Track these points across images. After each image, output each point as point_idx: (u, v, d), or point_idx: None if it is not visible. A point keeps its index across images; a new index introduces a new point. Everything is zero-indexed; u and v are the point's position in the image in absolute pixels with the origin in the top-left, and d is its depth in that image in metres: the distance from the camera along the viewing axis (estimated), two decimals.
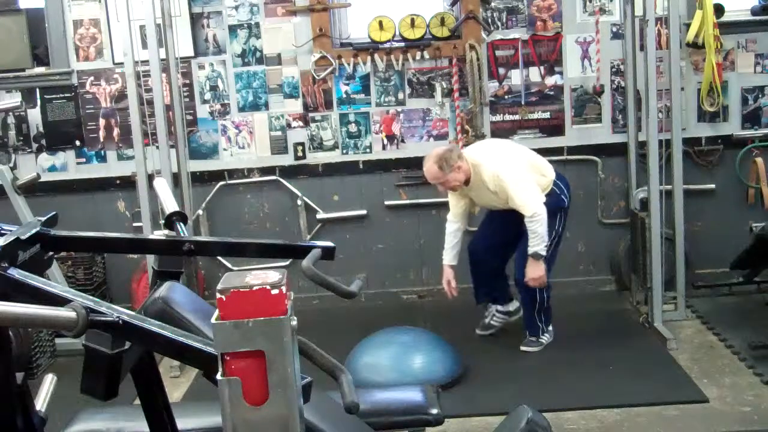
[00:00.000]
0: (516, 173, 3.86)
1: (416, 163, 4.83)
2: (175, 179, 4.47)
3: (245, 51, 4.77)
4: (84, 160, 4.89)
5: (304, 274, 1.69)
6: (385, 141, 4.85)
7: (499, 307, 4.28)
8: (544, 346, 4.08)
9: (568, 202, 4.03)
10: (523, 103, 4.80)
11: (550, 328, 4.12)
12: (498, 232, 4.12)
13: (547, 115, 4.81)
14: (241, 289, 1.21)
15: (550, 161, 4.75)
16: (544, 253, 3.85)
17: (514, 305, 4.28)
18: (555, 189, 3.99)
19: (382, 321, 4.14)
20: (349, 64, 4.74)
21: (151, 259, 3.47)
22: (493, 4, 4.72)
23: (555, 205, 3.91)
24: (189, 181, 4.62)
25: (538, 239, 3.80)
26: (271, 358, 1.20)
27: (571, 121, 4.81)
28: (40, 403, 1.78)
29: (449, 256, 4.12)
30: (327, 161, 4.86)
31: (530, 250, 3.82)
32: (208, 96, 4.81)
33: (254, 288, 1.21)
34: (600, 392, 3.57)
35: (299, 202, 4.85)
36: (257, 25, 4.74)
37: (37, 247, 1.62)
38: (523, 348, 4.06)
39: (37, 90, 4.82)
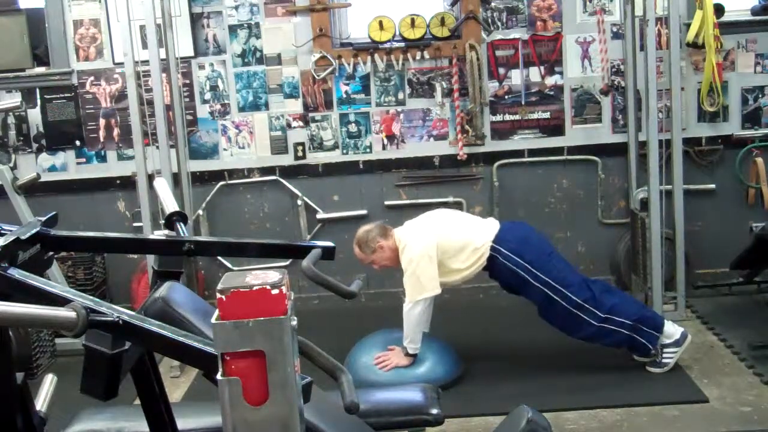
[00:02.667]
0: (415, 255, 3.66)
1: (416, 163, 4.85)
2: (175, 179, 4.47)
3: (245, 51, 4.77)
4: (84, 160, 4.89)
5: (304, 274, 1.70)
6: (385, 141, 4.85)
7: (664, 341, 3.70)
8: (671, 356, 3.70)
9: (530, 258, 3.64)
10: (523, 103, 4.79)
11: (663, 336, 3.67)
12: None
13: (547, 115, 4.81)
14: (241, 289, 1.21)
15: (550, 161, 4.81)
16: (411, 351, 3.69)
17: (670, 330, 3.70)
18: (496, 255, 3.66)
19: (382, 321, 4.13)
20: (349, 64, 4.74)
21: (151, 259, 3.47)
22: (493, 4, 4.72)
23: (509, 275, 3.66)
24: (189, 181, 4.62)
25: (408, 336, 3.68)
26: (271, 358, 1.20)
27: (571, 121, 4.81)
28: (40, 403, 1.78)
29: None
30: (327, 161, 4.86)
31: (404, 343, 3.70)
32: (208, 96, 4.81)
33: (254, 288, 1.21)
34: (600, 392, 3.57)
35: (299, 202, 4.85)
36: (257, 25, 4.74)
37: (37, 247, 1.62)
38: (649, 368, 3.72)
39: (37, 90, 4.82)
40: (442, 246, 3.70)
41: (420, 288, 3.67)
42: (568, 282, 3.65)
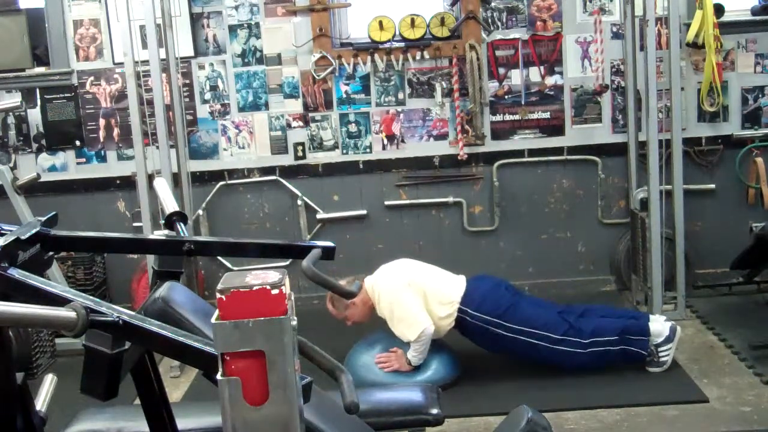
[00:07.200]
0: (394, 298, 3.65)
1: (416, 163, 4.85)
2: (175, 179, 4.47)
3: (245, 51, 4.77)
4: (84, 160, 4.89)
5: (304, 274, 1.70)
6: (385, 141, 4.85)
7: (655, 340, 3.69)
8: (667, 354, 3.69)
9: (500, 312, 3.64)
10: (523, 103, 4.79)
11: (653, 336, 3.67)
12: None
13: (547, 115, 4.81)
14: (241, 289, 1.21)
15: (550, 161, 4.81)
16: (414, 363, 3.67)
17: (658, 328, 3.70)
18: (464, 317, 3.66)
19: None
20: (349, 64, 4.74)
21: (151, 259, 3.47)
22: (493, 4, 4.72)
23: (483, 333, 3.66)
24: (189, 181, 4.62)
25: (415, 353, 3.64)
26: (271, 358, 1.20)
27: (571, 121, 4.81)
28: (40, 403, 1.78)
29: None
30: (327, 161, 4.86)
31: (408, 354, 3.66)
32: (208, 96, 4.81)
33: (254, 288, 1.21)
34: (600, 392, 3.57)
35: (299, 202, 4.85)
36: (257, 25, 4.74)
37: (37, 247, 1.62)
38: (648, 368, 3.71)
39: (37, 90, 4.82)
40: (413, 287, 3.69)
41: (415, 326, 3.62)
42: (543, 321, 3.66)
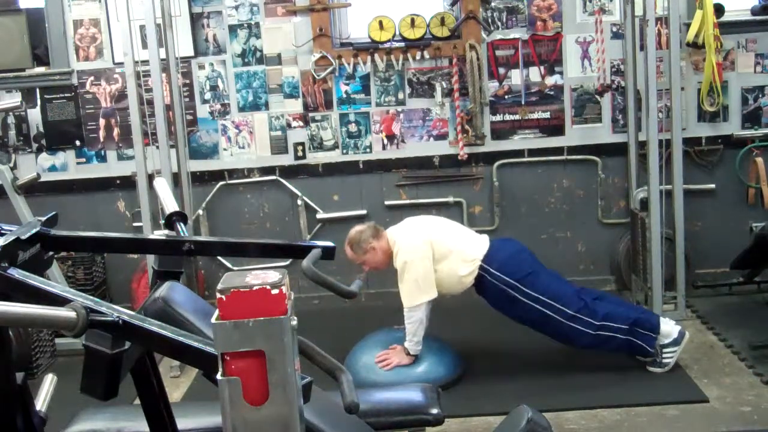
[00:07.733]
0: (410, 257, 3.65)
1: (416, 163, 4.85)
2: (175, 179, 4.46)
3: (245, 51, 4.77)
4: (84, 160, 4.89)
5: (304, 274, 1.70)
6: (385, 141, 4.85)
7: (662, 341, 3.69)
8: (671, 356, 3.70)
9: (520, 276, 3.65)
10: (523, 103, 4.79)
11: (661, 336, 3.67)
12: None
13: (547, 115, 4.81)
14: (241, 289, 1.21)
15: (550, 161, 4.81)
16: (413, 351, 3.68)
17: (668, 329, 3.69)
18: (484, 274, 3.67)
19: (382, 321, 4.13)
20: (349, 64, 4.74)
21: (151, 259, 3.47)
22: (493, 4, 4.72)
23: (499, 294, 3.67)
24: (189, 181, 4.62)
25: (409, 336, 3.67)
26: (271, 358, 1.20)
27: (571, 121, 4.81)
28: (40, 403, 1.78)
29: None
30: (327, 161, 4.86)
31: (405, 344, 3.69)
32: (208, 96, 4.81)
33: (254, 288, 1.21)
34: (600, 392, 3.57)
35: (299, 202, 4.85)
36: (257, 25, 4.74)
37: (37, 247, 1.62)
38: (650, 368, 3.72)
39: (37, 90, 4.82)
40: (433, 247, 3.70)
41: (418, 292, 3.66)
42: (560, 295, 3.67)
